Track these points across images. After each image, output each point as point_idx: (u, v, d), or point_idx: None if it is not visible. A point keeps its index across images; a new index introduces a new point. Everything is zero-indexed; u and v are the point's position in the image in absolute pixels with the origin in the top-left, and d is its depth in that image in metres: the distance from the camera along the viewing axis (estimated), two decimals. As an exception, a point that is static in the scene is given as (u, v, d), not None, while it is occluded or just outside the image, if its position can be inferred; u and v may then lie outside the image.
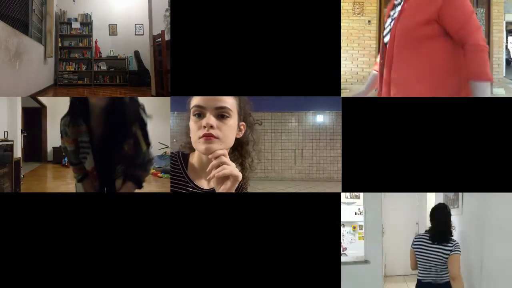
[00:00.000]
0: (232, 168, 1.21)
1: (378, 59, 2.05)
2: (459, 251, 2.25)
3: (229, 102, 1.30)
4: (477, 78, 1.40)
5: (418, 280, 2.37)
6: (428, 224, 2.51)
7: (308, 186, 7.27)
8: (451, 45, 1.48)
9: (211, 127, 1.24)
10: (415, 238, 2.40)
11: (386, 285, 3.85)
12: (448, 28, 1.46)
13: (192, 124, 1.28)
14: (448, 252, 2.23)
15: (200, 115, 1.27)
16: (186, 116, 1.36)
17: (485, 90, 1.43)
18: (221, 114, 1.27)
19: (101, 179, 1.88)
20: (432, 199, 3.75)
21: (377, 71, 2.05)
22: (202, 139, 1.24)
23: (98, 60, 7.11)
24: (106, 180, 1.86)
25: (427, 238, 2.33)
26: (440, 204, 2.47)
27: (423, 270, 2.31)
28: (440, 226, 2.31)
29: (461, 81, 1.49)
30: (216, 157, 1.21)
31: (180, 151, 1.41)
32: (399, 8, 1.64)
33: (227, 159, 1.21)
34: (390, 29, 1.68)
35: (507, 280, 2.53)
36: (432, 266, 2.26)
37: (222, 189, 1.22)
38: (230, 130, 1.30)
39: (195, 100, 1.29)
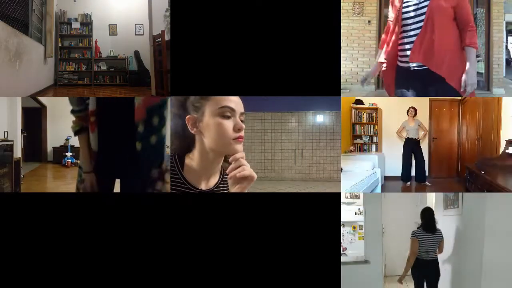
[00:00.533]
0: (249, 169, 1.29)
1: (388, 37, 2.48)
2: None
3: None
4: (470, 45, 2.33)
5: (416, 258, 3.08)
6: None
7: (308, 186, 7.27)
8: (455, 25, 2.35)
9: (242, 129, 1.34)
10: (418, 232, 3.08)
11: (386, 285, 3.85)
12: (458, 14, 2.34)
13: (224, 124, 1.32)
14: (441, 238, 3.10)
15: (229, 117, 1.32)
16: (181, 114, 1.36)
17: (473, 53, 2.34)
18: (241, 119, 1.35)
19: (100, 125, 1.84)
20: (432, 199, 3.75)
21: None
22: (238, 140, 1.32)
23: (98, 60, 7.10)
24: (106, 128, 1.80)
25: (424, 230, 3.08)
26: (426, 207, 3.22)
27: (421, 252, 3.06)
28: (429, 223, 3.09)
29: (460, 47, 2.37)
30: (235, 160, 1.29)
31: (176, 153, 1.41)
32: None
33: (245, 161, 1.30)
34: (419, 7, 2.36)
35: (506, 279, 2.54)
36: (429, 248, 3.05)
37: (237, 187, 1.28)
38: None
39: (224, 101, 1.32)
